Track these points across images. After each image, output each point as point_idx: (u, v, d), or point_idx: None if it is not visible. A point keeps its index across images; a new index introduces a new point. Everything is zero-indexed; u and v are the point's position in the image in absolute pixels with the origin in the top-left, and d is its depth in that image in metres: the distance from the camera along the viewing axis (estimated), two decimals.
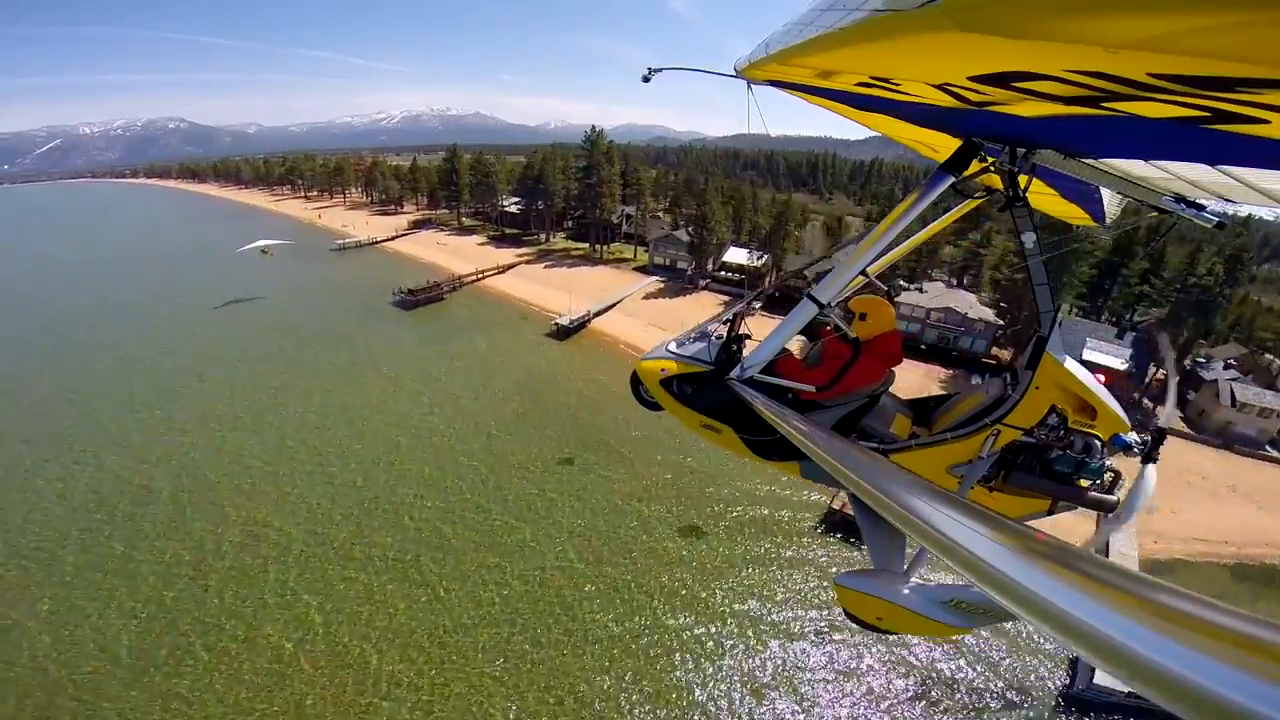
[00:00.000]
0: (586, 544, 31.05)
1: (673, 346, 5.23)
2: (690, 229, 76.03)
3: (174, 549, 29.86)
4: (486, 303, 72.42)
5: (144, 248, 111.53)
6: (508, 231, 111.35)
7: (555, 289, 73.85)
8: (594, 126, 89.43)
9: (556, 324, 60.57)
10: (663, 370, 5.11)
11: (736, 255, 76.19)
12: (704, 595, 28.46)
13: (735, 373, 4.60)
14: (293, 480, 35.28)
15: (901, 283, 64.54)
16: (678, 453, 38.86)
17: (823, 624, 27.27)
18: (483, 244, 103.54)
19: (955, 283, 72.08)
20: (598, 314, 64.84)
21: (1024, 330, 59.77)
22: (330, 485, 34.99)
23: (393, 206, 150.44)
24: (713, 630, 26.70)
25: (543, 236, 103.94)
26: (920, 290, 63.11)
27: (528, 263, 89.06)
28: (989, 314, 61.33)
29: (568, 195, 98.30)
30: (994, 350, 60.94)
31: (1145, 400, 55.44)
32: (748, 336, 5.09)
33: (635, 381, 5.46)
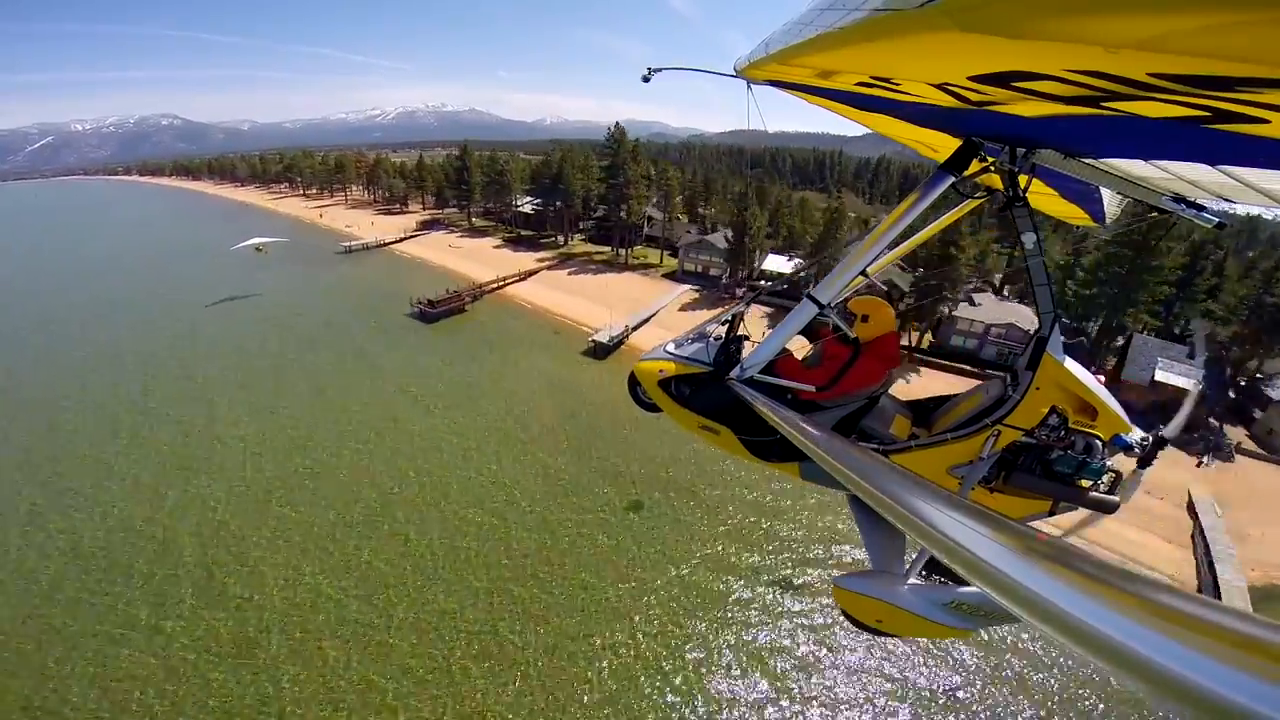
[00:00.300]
0: (676, 602, 27.86)
1: (671, 347, 5.19)
2: (729, 234, 72.46)
3: (208, 619, 26.09)
4: (513, 314, 68.42)
5: (138, 248, 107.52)
6: (523, 233, 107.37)
7: (584, 299, 70.21)
8: (617, 123, 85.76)
9: (593, 341, 56.58)
10: (661, 371, 5.04)
11: (775, 262, 72.77)
12: (821, 655, 25.63)
13: (735, 373, 4.56)
14: (333, 534, 31.43)
15: (967, 296, 61.41)
16: (754, 489, 35.80)
17: (954, 680, 24.79)
18: (498, 247, 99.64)
19: (993, 294, 69.04)
20: (635, 328, 61.22)
21: (1094, 348, 57.53)
22: (377, 539, 31.20)
23: (397, 206, 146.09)
24: (853, 693, 24.00)
25: (560, 239, 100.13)
26: (972, 303, 59.80)
27: (550, 268, 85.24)
28: None
29: (587, 196, 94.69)
30: None
31: (1212, 420, 52.92)
32: (746, 337, 5.03)
33: (633, 383, 5.42)
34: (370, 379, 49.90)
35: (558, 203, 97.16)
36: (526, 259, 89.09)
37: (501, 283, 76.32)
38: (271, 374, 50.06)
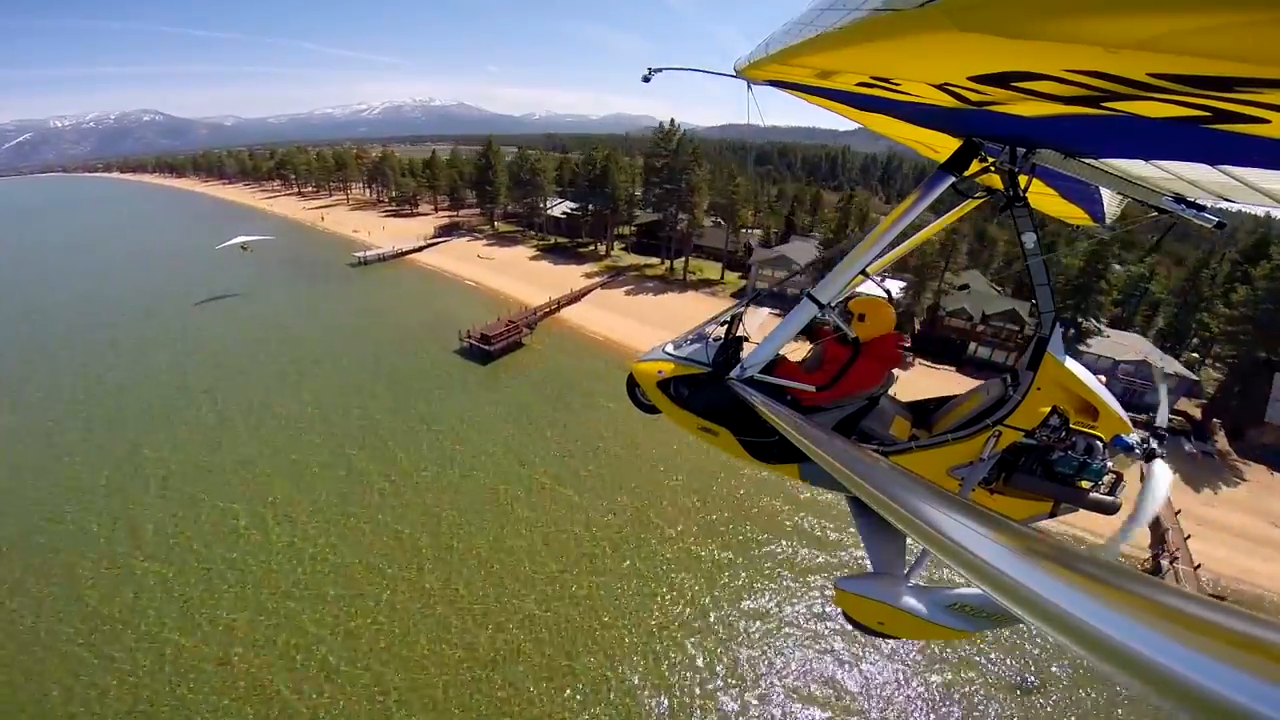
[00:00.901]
0: None
1: (670, 348, 5.07)
2: (820, 248, 61.32)
3: None
4: (578, 348, 57.40)
5: (123, 258, 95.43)
6: (558, 241, 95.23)
7: (653, 326, 60.14)
8: (673, 120, 74.50)
9: None
10: (659, 372, 4.93)
11: (871, 285, 61.74)
12: None
13: (735, 373, 4.51)
14: (480, 685, 23.51)
15: (1100, 325, 53.41)
16: None
17: None
18: (534, 258, 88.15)
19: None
20: None
21: (1227, 389, 50.14)
22: (535, 680, 23.67)
23: (407, 207, 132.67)
24: None
25: (601, 249, 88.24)
26: (1101, 334, 52.43)
27: (602, 286, 73.77)
28: (1179, 366, 51.36)
29: (630, 201, 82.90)
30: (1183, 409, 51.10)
31: None
32: (745, 338, 4.94)
33: (631, 384, 5.36)
34: (450, 454, 39.53)
35: (593, 207, 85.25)
36: (571, 274, 77.88)
37: (555, 306, 64.55)
38: (320, 450, 38.96)
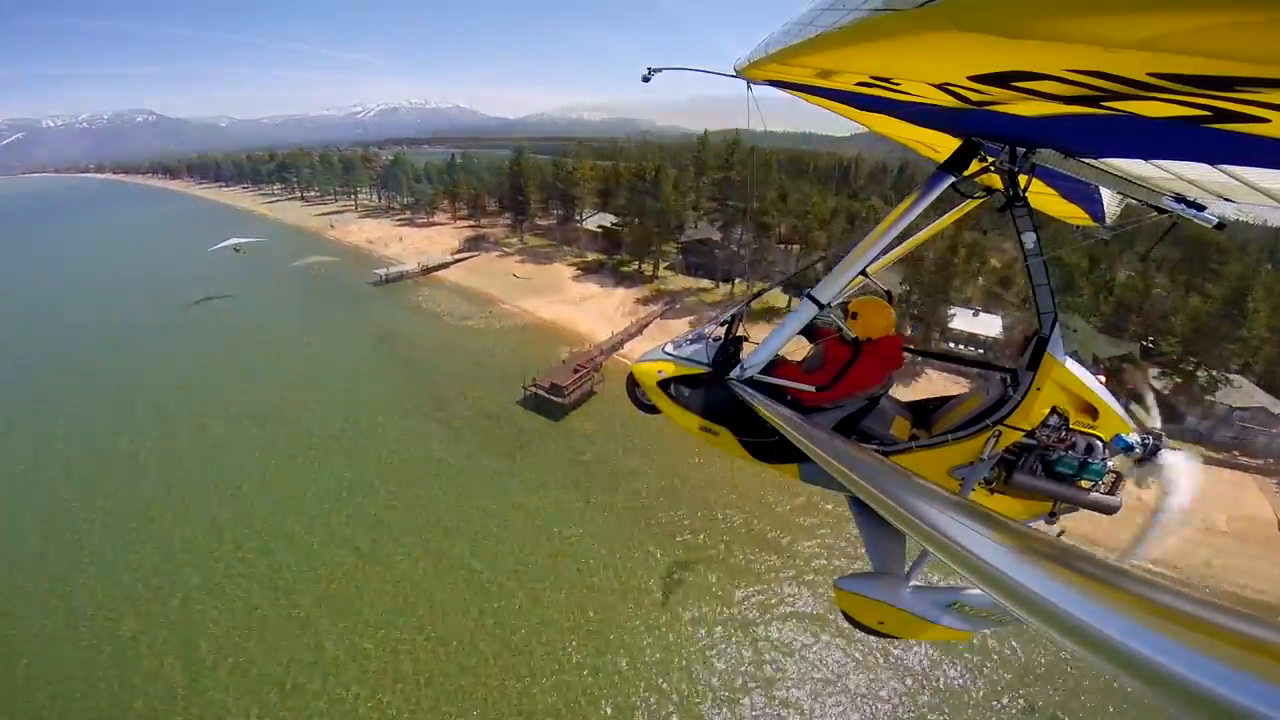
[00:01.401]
0: None
1: (670, 348, 4.93)
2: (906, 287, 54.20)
3: None
4: None
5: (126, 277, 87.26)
6: (599, 259, 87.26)
7: None
8: (736, 132, 67.23)
9: None
10: (660, 372, 4.78)
11: (965, 321, 55.27)
12: None
13: (735, 373, 4.39)
14: None
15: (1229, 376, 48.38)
16: None
17: None
18: (577, 278, 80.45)
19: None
20: None
21: None
22: None
23: (421, 215, 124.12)
24: None
25: (647, 268, 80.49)
26: (1229, 383, 47.15)
27: (661, 315, 66.77)
28: None
29: (681, 215, 75.61)
30: None
31: None
32: (745, 339, 4.80)
33: (631, 384, 5.19)
34: (549, 525, 33.48)
35: (638, 222, 77.45)
36: (623, 299, 70.78)
37: (619, 342, 57.72)
38: (403, 536, 32.43)
